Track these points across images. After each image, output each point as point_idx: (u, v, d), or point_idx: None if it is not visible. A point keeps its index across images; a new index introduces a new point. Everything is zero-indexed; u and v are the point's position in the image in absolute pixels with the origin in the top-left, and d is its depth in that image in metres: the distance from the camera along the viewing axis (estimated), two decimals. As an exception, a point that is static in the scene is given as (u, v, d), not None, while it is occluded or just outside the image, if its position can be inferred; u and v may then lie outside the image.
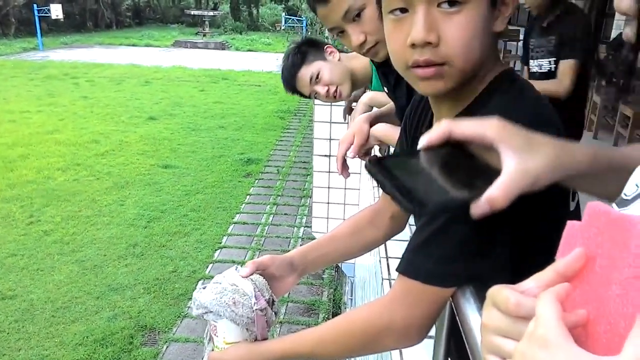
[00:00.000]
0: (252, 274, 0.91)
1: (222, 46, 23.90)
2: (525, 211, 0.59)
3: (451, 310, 0.66)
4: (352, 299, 3.41)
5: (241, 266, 0.93)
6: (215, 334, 0.89)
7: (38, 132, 9.64)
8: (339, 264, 3.16)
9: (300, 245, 5.32)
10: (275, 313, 0.91)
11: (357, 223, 1.06)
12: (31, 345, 4.08)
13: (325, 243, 1.05)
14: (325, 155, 2.63)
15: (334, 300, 4.78)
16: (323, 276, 5.25)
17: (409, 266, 0.69)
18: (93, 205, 6.73)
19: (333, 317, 4.85)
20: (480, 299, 0.56)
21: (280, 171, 8.19)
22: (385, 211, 1.04)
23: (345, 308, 4.27)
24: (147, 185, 7.44)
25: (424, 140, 0.57)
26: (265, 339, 0.89)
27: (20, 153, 8.49)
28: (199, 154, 8.84)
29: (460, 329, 0.56)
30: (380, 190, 1.01)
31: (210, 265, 5.35)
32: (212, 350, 0.90)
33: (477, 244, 0.62)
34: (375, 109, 1.62)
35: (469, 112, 0.70)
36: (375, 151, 1.74)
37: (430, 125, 0.81)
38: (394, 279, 0.95)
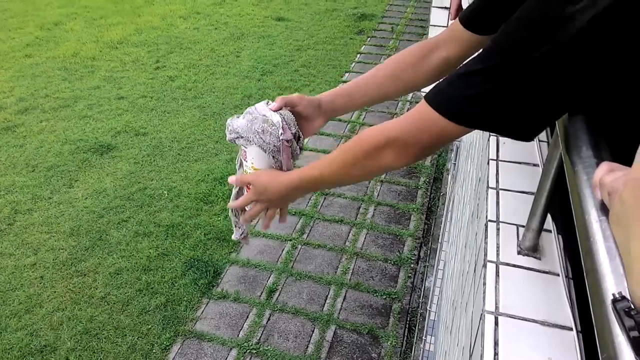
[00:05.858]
0: (280, 109, 0.95)
1: None
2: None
3: (560, 159, 0.62)
4: (455, 164, 3.39)
5: (272, 101, 0.97)
6: (245, 159, 0.97)
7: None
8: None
9: (408, 109, 5.24)
10: (300, 148, 0.97)
11: (398, 65, 0.99)
12: (161, 177, 4.66)
13: (356, 88, 1.01)
14: (446, 8, 2.40)
15: (437, 165, 4.78)
16: (428, 140, 5.20)
17: (437, 96, 0.66)
18: (212, 55, 7.03)
19: (434, 181, 4.95)
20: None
21: (394, 29, 7.81)
22: (444, 46, 0.95)
23: (448, 174, 4.27)
24: (261, 38, 7.53)
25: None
26: (289, 169, 0.95)
27: None
28: (311, 7, 8.63)
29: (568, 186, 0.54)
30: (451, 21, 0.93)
31: (319, 120, 5.51)
32: (242, 174, 0.99)
33: (523, 96, 0.56)
34: None
35: None
36: None
37: None
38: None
